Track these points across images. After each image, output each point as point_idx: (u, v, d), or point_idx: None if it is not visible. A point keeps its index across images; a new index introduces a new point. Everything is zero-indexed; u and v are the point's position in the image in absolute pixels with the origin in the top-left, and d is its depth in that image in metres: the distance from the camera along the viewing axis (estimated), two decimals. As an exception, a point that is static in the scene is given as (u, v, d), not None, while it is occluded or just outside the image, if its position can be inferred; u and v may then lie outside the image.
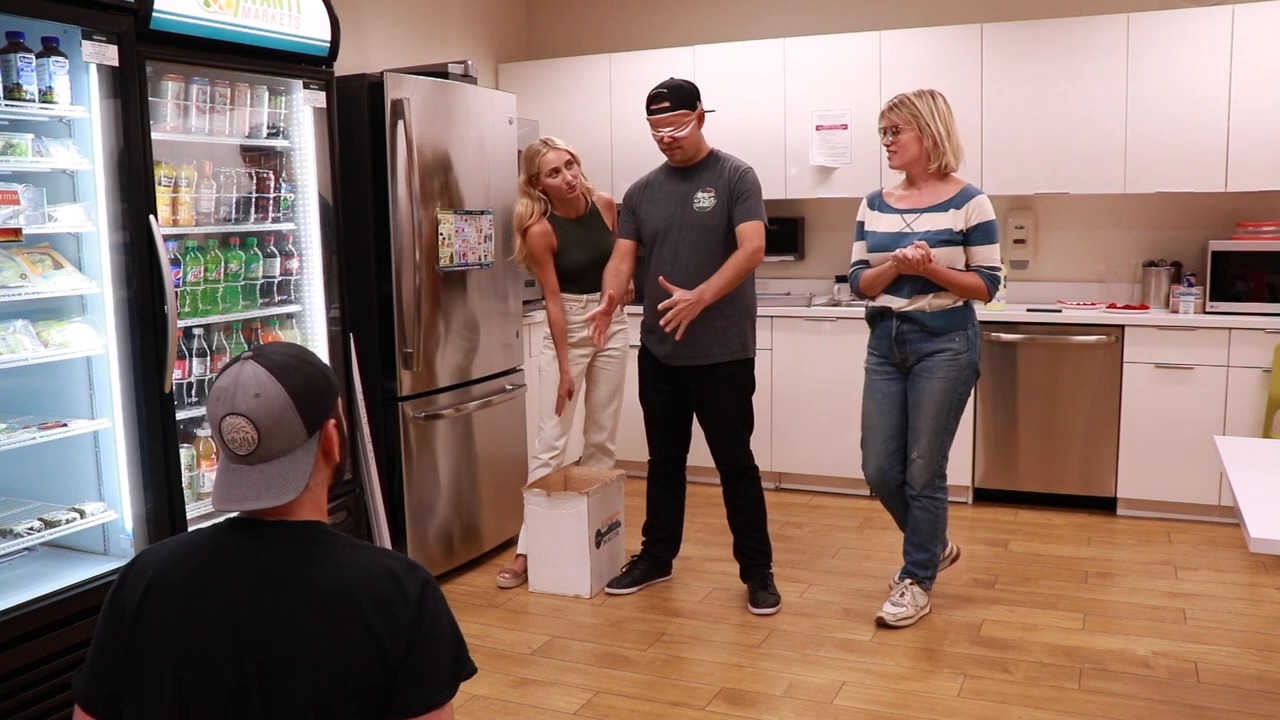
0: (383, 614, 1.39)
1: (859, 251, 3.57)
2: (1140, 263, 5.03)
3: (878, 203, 3.54)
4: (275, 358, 1.45)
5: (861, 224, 3.57)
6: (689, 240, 3.57)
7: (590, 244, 3.91)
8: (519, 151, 4.37)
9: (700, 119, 3.57)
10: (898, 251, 3.32)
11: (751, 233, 3.52)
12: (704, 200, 3.55)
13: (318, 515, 1.50)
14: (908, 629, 3.50)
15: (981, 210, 3.38)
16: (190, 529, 2.53)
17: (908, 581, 3.58)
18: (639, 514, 4.04)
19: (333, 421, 1.50)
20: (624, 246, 3.77)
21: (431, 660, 1.42)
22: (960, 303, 3.43)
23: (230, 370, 1.44)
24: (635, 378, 4.18)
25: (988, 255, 3.39)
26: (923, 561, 3.57)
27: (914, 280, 3.40)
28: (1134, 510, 4.71)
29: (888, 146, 3.45)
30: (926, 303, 3.39)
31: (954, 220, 3.37)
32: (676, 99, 3.49)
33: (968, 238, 3.38)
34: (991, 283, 3.39)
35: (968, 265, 3.41)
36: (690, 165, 3.61)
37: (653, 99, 3.51)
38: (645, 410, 3.84)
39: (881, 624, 3.50)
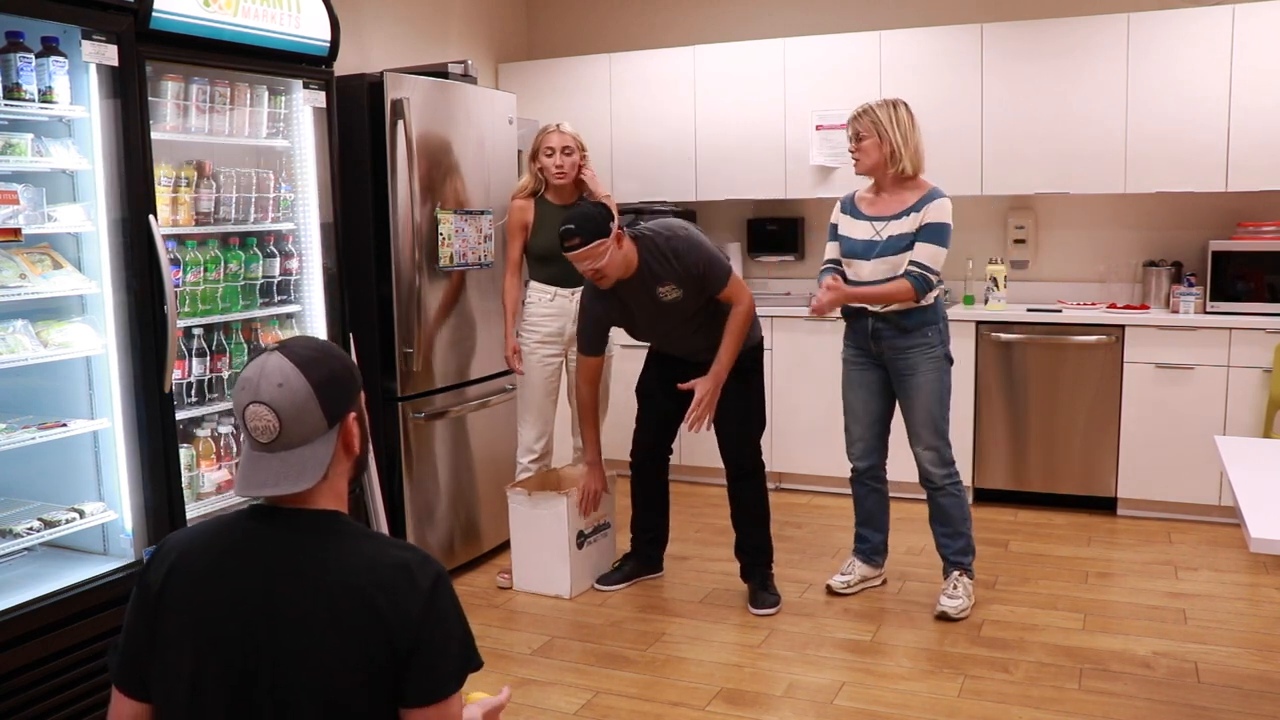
0: (393, 604, 1.42)
1: (831, 251, 3.71)
2: (1140, 263, 5.03)
3: (850, 207, 3.65)
4: (300, 350, 1.49)
5: (835, 226, 3.69)
6: (675, 323, 3.58)
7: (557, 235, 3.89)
8: (519, 151, 4.38)
9: (619, 239, 3.37)
10: (812, 304, 3.50)
11: (734, 294, 3.52)
12: (669, 293, 3.48)
13: (337, 505, 1.54)
14: (907, 629, 3.50)
15: (936, 212, 3.45)
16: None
17: (956, 574, 3.63)
18: (630, 515, 4.03)
19: (354, 415, 1.54)
20: (593, 369, 3.65)
21: (440, 652, 1.44)
22: (930, 300, 3.51)
23: (256, 361, 1.49)
24: (620, 379, 4.19)
25: (923, 253, 3.44)
26: (961, 548, 3.63)
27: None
28: (1134, 510, 4.71)
29: (852, 153, 3.57)
30: (896, 306, 3.50)
31: (912, 224, 3.46)
32: (586, 232, 3.30)
33: (916, 235, 3.45)
34: (918, 281, 3.42)
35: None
36: (631, 275, 3.47)
37: (563, 236, 3.34)
38: (640, 401, 3.84)
39: (945, 618, 3.54)
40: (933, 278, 3.44)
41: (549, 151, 3.85)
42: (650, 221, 3.60)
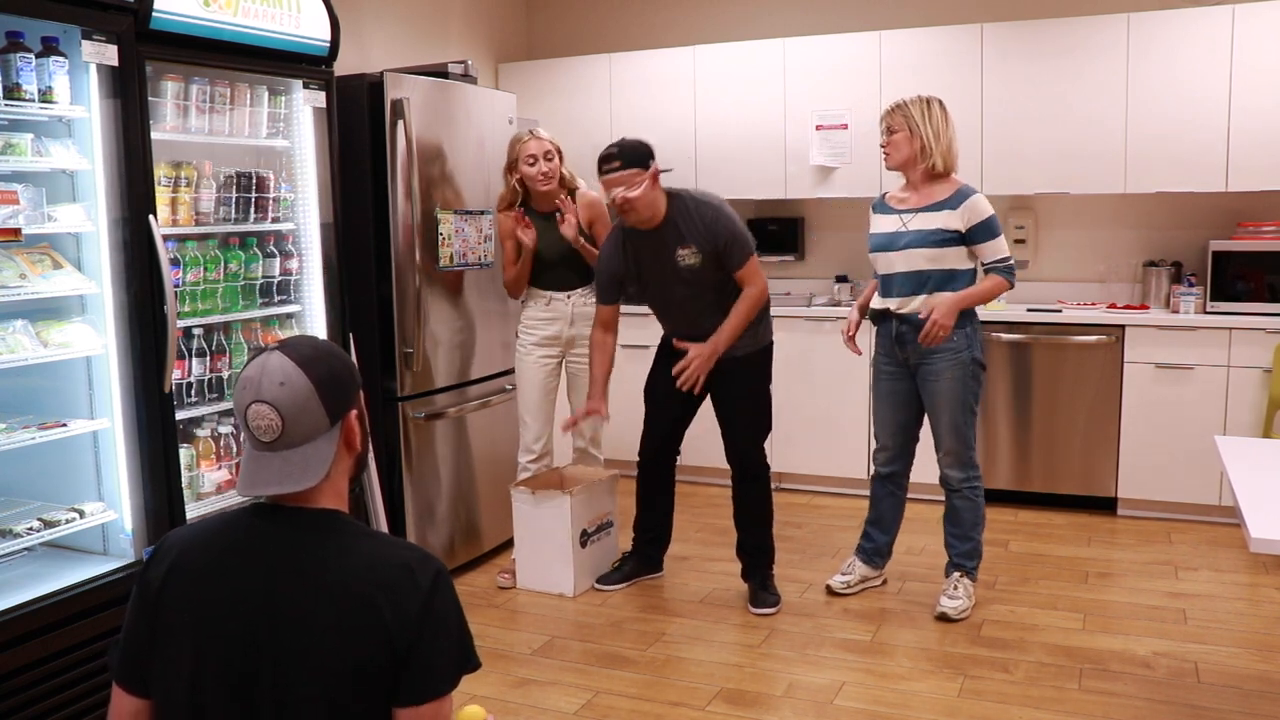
0: (393, 603, 1.42)
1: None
2: (1140, 263, 5.03)
3: (880, 205, 3.66)
4: (300, 349, 1.50)
5: (869, 230, 3.68)
6: (685, 294, 3.58)
7: (549, 239, 3.86)
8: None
9: (654, 179, 3.45)
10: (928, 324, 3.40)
11: (750, 275, 3.54)
12: (688, 258, 3.51)
13: (338, 504, 1.54)
14: (907, 629, 3.50)
15: (979, 209, 3.45)
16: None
17: (957, 575, 3.62)
18: (633, 515, 4.03)
19: (355, 412, 1.54)
20: (606, 315, 3.71)
21: (437, 651, 1.44)
22: None
23: (257, 360, 1.49)
24: (626, 380, 4.18)
25: (995, 249, 3.46)
26: (968, 551, 3.63)
27: (902, 283, 3.51)
28: (1134, 510, 4.71)
29: (883, 147, 3.57)
30: (920, 303, 3.48)
31: (948, 220, 3.45)
32: (627, 158, 3.39)
33: (971, 237, 3.45)
34: (1005, 273, 3.46)
35: (980, 264, 3.51)
36: (656, 226, 3.51)
37: (603, 159, 3.42)
38: (648, 404, 3.84)
39: (945, 618, 3.54)
40: (1012, 264, 3.48)
41: (530, 160, 3.77)
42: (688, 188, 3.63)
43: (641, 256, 3.58)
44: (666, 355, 3.78)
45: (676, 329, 3.71)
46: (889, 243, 3.51)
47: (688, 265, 3.51)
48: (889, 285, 3.55)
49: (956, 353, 3.49)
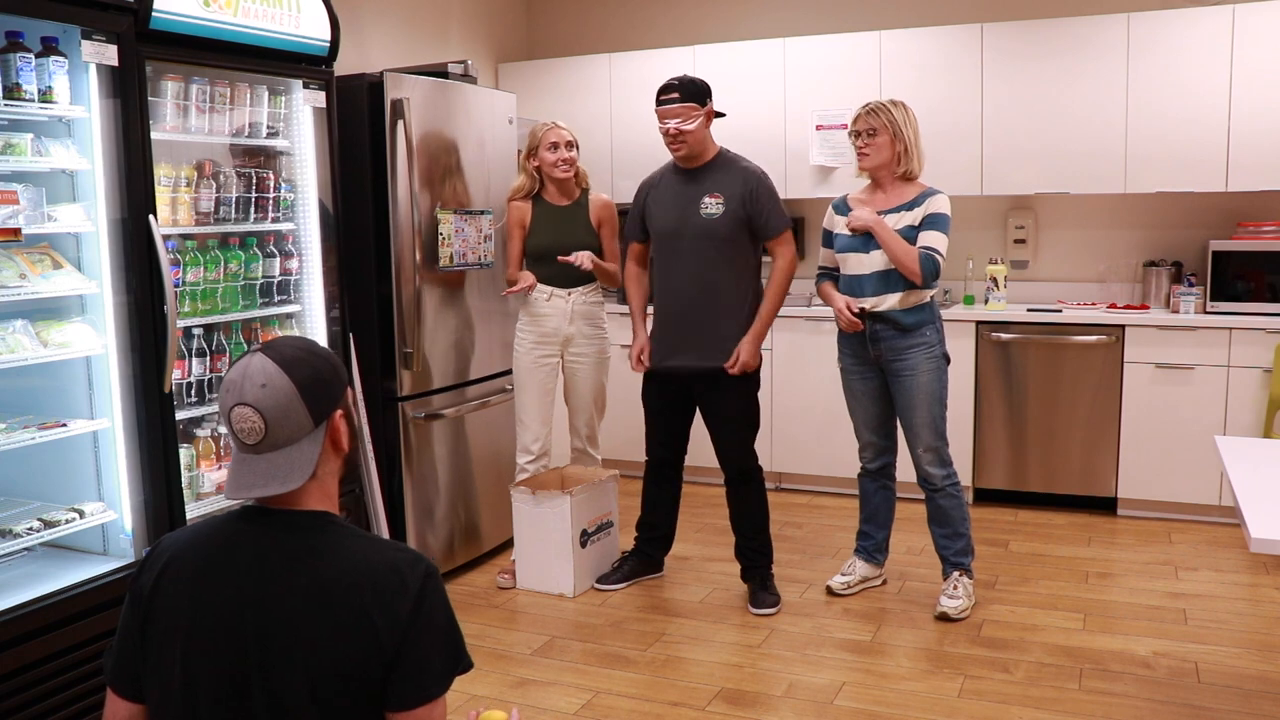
0: (382, 604, 1.42)
1: (825, 258, 3.75)
2: (1140, 263, 5.03)
3: (843, 208, 3.64)
4: (283, 350, 1.49)
5: (828, 231, 3.70)
6: (694, 247, 3.57)
7: (559, 232, 3.87)
8: (519, 151, 4.38)
9: (709, 118, 3.56)
10: (852, 215, 3.51)
11: (784, 245, 3.60)
12: (711, 206, 3.54)
13: (327, 505, 1.53)
14: (908, 629, 3.50)
15: (937, 205, 3.49)
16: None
17: (956, 574, 3.62)
18: (634, 514, 4.04)
19: (340, 413, 1.53)
20: (636, 251, 3.82)
21: (427, 652, 1.44)
22: (927, 299, 3.53)
23: (240, 362, 1.49)
24: (616, 381, 4.18)
25: (931, 239, 3.46)
26: (961, 549, 3.63)
27: (876, 282, 3.51)
28: (1134, 510, 4.71)
29: (860, 149, 3.54)
30: (897, 300, 3.49)
31: (914, 218, 3.48)
32: (686, 92, 3.51)
33: (921, 225, 3.47)
34: (927, 262, 3.43)
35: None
36: (697, 167, 3.60)
37: (663, 90, 3.54)
38: (646, 409, 3.84)
39: (945, 618, 3.54)
40: (940, 261, 3.44)
41: (552, 147, 3.84)
42: None
43: (664, 195, 3.65)
44: (653, 371, 3.77)
45: (658, 290, 3.71)
46: (861, 244, 3.52)
47: (707, 214, 3.54)
48: (860, 285, 3.54)
49: (931, 347, 3.52)
